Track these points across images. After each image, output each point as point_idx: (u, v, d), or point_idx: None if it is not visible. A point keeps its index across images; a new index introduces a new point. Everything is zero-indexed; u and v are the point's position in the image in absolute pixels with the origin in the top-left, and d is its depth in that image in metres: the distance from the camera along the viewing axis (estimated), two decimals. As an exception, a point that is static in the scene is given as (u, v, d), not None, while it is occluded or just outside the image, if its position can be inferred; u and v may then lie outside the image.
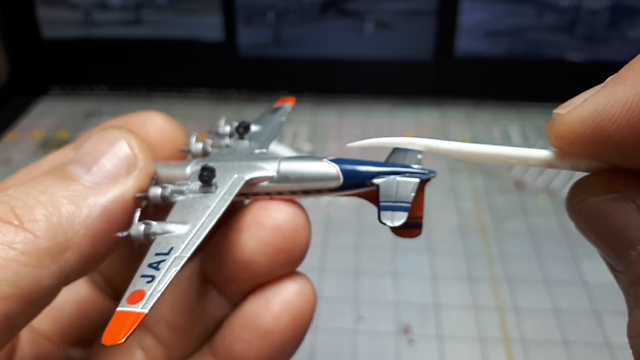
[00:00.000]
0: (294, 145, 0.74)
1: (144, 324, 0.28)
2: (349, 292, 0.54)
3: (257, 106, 0.84)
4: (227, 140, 0.29)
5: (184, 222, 0.23)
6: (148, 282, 0.21)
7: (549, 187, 0.67)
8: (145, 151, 0.25)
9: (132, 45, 0.84)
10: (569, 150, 0.19)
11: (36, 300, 0.21)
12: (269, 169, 0.26)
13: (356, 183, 0.25)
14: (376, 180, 0.25)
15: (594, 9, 0.76)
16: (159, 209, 0.24)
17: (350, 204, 0.64)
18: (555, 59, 0.79)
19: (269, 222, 0.25)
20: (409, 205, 0.23)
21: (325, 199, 0.65)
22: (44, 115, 0.83)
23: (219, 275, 0.27)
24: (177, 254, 0.22)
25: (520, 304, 0.53)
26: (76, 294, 0.30)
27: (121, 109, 0.83)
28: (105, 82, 0.88)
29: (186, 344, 0.28)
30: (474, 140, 0.75)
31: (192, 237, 0.22)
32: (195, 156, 0.28)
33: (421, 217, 0.25)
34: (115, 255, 0.25)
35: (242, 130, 0.29)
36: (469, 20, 0.78)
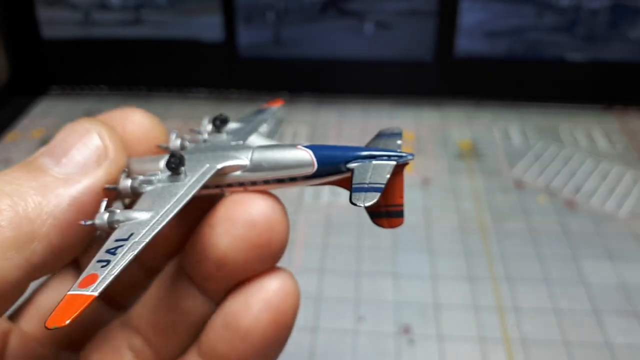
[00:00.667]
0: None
1: (133, 325, 0.27)
2: (349, 292, 0.54)
3: (257, 106, 0.84)
4: (205, 135, 0.29)
5: (148, 210, 0.23)
6: (102, 266, 0.20)
7: (549, 187, 0.67)
8: (116, 142, 0.25)
9: (132, 45, 0.84)
10: None
11: (0, 294, 0.20)
12: (242, 158, 0.25)
13: (331, 169, 0.24)
14: (351, 165, 0.24)
15: (594, 9, 0.76)
16: (133, 203, 0.24)
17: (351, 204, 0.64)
18: (555, 59, 0.79)
19: (242, 216, 0.24)
20: (382, 186, 0.22)
21: (325, 199, 0.65)
22: (44, 115, 0.83)
23: (197, 273, 0.26)
24: (136, 239, 0.21)
25: (520, 304, 0.53)
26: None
27: (121, 109, 0.83)
28: (105, 82, 0.88)
29: (173, 344, 0.27)
30: (474, 141, 0.75)
31: (154, 223, 0.22)
32: None
33: (402, 205, 0.24)
34: None
35: (218, 123, 0.28)
36: (469, 20, 0.78)
